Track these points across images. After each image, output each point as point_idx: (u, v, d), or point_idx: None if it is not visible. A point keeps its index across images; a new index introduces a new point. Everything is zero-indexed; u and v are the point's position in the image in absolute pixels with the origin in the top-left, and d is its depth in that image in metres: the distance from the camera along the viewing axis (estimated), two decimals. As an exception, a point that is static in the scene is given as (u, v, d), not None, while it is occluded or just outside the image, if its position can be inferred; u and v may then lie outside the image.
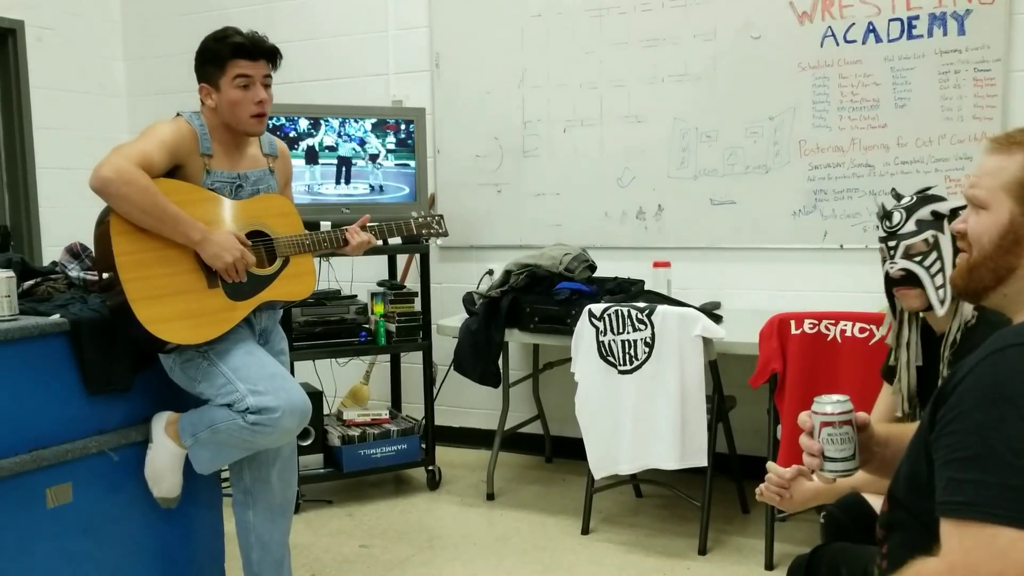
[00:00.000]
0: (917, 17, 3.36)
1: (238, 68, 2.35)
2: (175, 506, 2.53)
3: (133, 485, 2.47)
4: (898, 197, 2.01)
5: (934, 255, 1.90)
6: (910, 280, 1.94)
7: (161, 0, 4.77)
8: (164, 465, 2.45)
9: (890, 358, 2.06)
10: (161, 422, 2.45)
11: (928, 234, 1.91)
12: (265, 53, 2.39)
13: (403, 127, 3.75)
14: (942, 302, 1.91)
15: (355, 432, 3.62)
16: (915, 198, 1.96)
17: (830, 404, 1.40)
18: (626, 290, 3.40)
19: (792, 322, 2.76)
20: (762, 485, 1.78)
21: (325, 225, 3.26)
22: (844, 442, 1.40)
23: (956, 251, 1.86)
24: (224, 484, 2.78)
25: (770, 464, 1.80)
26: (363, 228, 2.60)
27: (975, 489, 1.01)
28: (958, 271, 1.29)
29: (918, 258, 1.93)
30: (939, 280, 1.91)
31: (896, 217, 1.98)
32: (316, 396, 3.56)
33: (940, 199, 1.94)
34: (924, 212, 1.92)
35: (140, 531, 2.50)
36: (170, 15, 4.72)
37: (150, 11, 4.81)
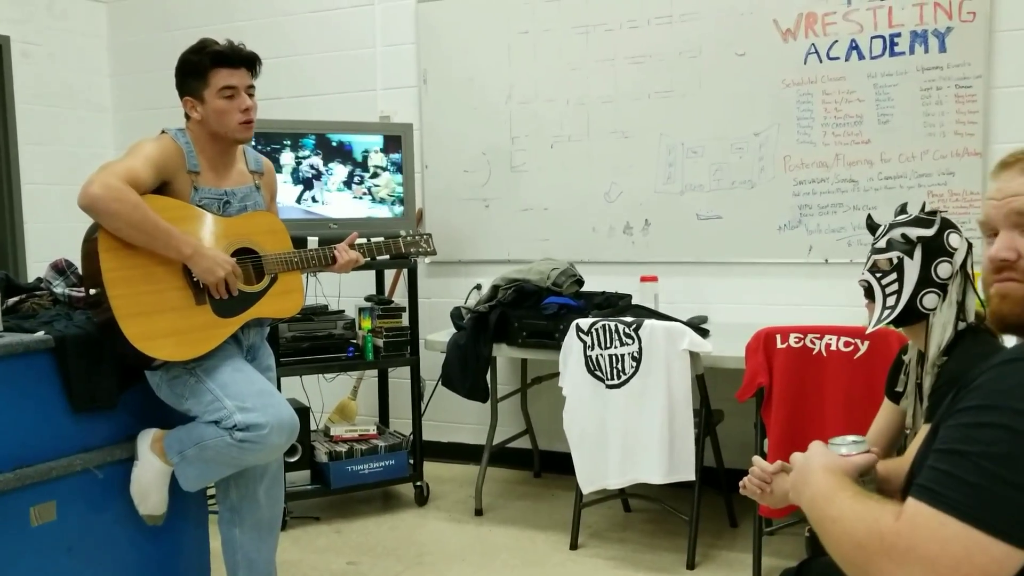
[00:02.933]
0: (899, 34, 3.40)
1: (221, 78, 2.35)
2: (161, 523, 2.51)
3: (118, 503, 2.45)
4: (903, 212, 2.00)
5: (893, 276, 1.90)
6: (869, 293, 1.96)
7: (147, 16, 4.78)
8: (150, 482, 2.44)
9: (896, 382, 2.06)
10: (147, 439, 2.44)
11: (893, 255, 1.91)
12: (245, 60, 2.40)
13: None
14: (878, 321, 1.93)
15: (343, 448, 3.61)
16: (906, 216, 1.96)
17: (845, 447, 1.38)
18: (613, 304, 3.41)
19: (778, 336, 2.78)
20: (746, 479, 1.79)
21: (312, 241, 3.27)
22: (866, 484, 1.39)
23: (924, 273, 1.88)
24: (210, 501, 2.77)
25: (755, 458, 1.80)
26: (351, 246, 2.60)
27: (942, 479, 1.06)
28: (1012, 300, 1.22)
29: (879, 275, 1.94)
30: (890, 301, 1.91)
31: (878, 231, 1.99)
32: (303, 412, 3.55)
33: (926, 222, 1.92)
34: (896, 233, 1.92)
35: (126, 549, 2.48)
36: (157, 31, 4.72)
37: (136, 27, 4.81)
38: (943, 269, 1.88)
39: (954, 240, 1.89)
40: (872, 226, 2.05)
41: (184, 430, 2.37)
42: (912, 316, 1.90)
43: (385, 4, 4.25)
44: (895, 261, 1.90)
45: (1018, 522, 1.01)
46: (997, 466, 1.02)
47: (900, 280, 1.89)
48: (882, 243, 1.94)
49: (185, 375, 2.33)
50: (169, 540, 2.59)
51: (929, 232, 1.88)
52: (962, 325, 1.85)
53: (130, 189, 2.18)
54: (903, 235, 1.90)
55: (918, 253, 1.88)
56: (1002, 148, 3.34)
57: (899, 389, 2.01)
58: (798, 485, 1.30)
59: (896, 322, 1.93)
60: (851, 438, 1.40)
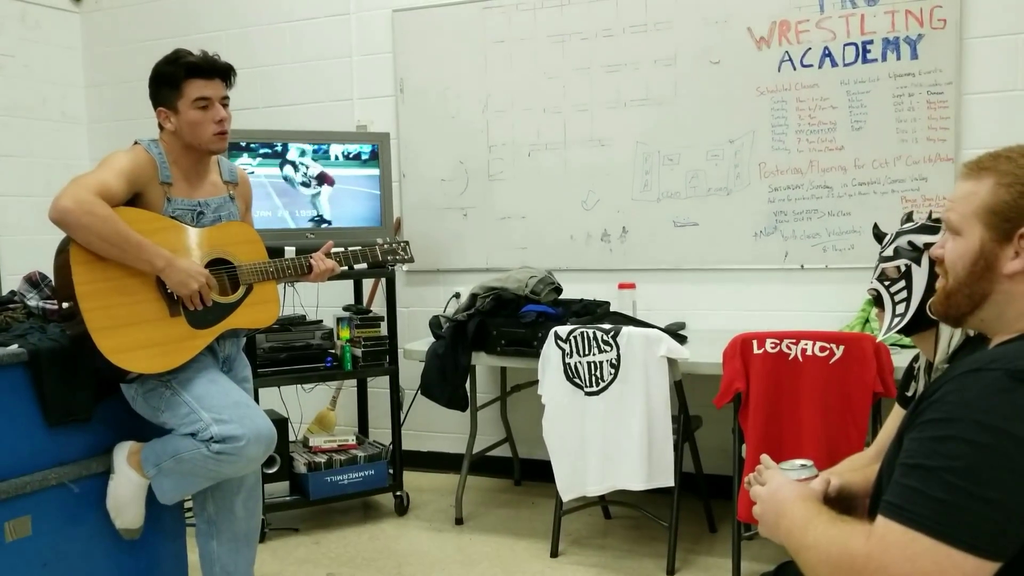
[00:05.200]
0: (871, 41, 3.44)
1: (195, 89, 2.35)
2: (138, 537, 2.49)
3: (94, 517, 2.43)
4: (909, 220, 2.01)
5: (901, 283, 1.91)
6: (878, 302, 1.97)
7: (122, 27, 4.75)
8: (126, 496, 2.42)
9: (907, 388, 2.07)
10: (123, 452, 2.43)
11: (901, 262, 1.92)
12: (219, 71, 2.40)
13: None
14: (888, 329, 1.93)
15: (321, 459, 3.59)
16: (912, 224, 1.97)
17: (794, 471, 1.39)
18: (592, 312, 3.42)
19: (754, 342, 2.79)
20: (751, 475, 1.79)
21: (289, 251, 3.26)
22: None
23: (932, 280, 1.88)
24: (187, 514, 2.75)
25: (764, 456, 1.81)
26: (328, 254, 2.60)
27: (908, 495, 1.08)
28: (936, 297, 1.32)
29: (887, 283, 1.94)
30: (899, 308, 1.92)
31: (885, 239, 2.00)
32: (281, 423, 3.53)
33: (932, 229, 1.92)
34: (903, 240, 1.93)
35: (102, 564, 2.46)
36: (131, 42, 4.69)
37: (111, 38, 4.79)
38: None
39: None
40: (879, 235, 2.06)
41: (160, 443, 2.36)
42: (922, 323, 1.89)
43: (361, 14, 4.25)
44: (903, 269, 1.91)
45: (986, 534, 1.03)
46: (961, 480, 1.04)
47: (909, 288, 1.89)
48: (889, 251, 1.94)
49: (160, 387, 2.32)
50: (146, 554, 2.57)
51: (936, 239, 1.89)
52: (971, 332, 1.86)
53: (101, 202, 2.17)
54: (910, 242, 1.91)
55: (925, 260, 1.88)
56: (973, 153, 3.35)
57: (908, 394, 2.02)
58: (770, 517, 1.32)
59: (906, 330, 1.92)
60: (799, 462, 1.41)
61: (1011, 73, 3.29)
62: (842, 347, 2.69)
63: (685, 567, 3.12)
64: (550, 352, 3.11)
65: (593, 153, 3.88)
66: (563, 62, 3.90)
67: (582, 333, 3.05)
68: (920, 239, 1.90)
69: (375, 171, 3.78)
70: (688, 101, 3.72)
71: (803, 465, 1.40)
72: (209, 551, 2.55)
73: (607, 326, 3.05)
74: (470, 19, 4.03)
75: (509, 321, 3.39)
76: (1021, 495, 1.04)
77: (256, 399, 2.91)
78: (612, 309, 3.51)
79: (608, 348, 3.01)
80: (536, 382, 3.20)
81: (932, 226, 1.91)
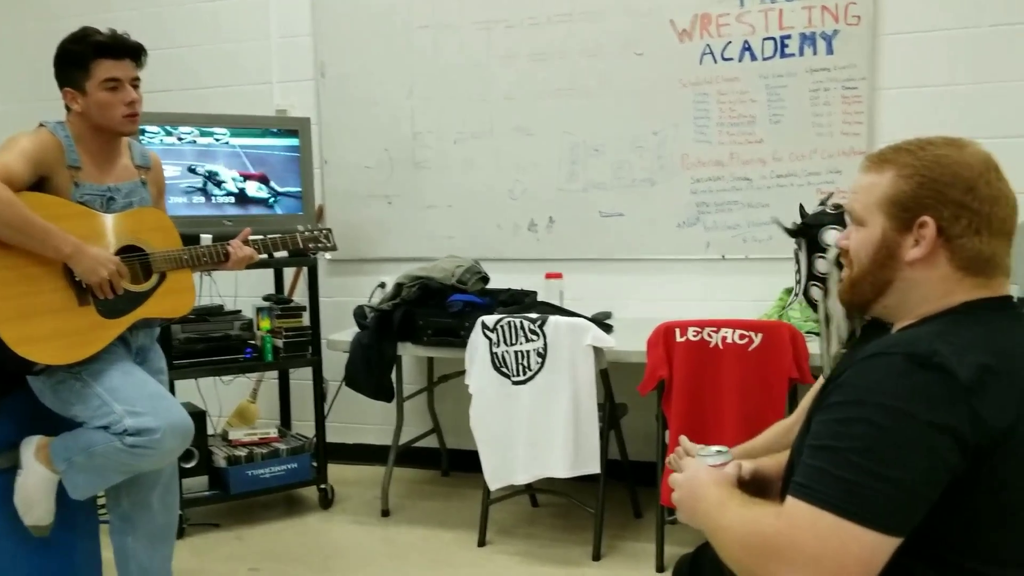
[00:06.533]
0: (789, 36, 3.52)
1: (104, 70, 2.25)
2: (48, 534, 2.40)
3: (1, 514, 2.32)
4: (823, 204, 2.07)
5: (796, 266, 1.98)
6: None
7: (26, 5, 4.54)
8: (36, 491, 2.32)
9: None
10: (31, 447, 2.33)
11: (795, 245, 1.99)
12: (129, 51, 2.30)
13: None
14: (788, 306, 2.00)
15: (242, 452, 3.51)
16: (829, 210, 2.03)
17: (711, 457, 1.42)
18: (519, 301, 3.42)
19: (677, 330, 2.84)
20: (671, 456, 1.81)
21: (205, 238, 3.16)
22: None
23: (808, 272, 1.95)
24: (100, 510, 2.65)
25: (682, 438, 1.83)
26: (245, 242, 2.53)
27: (815, 475, 1.12)
28: (843, 286, 1.37)
29: (796, 266, 2.01)
30: (796, 289, 1.98)
31: (797, 234, 2.06)
32: (199, 416, 3.44)
33: (808, 217, 1.98)
34: (790, 224, 1.99)
35: (11, 562, 2.36)
36: (36, 20, 4.48)
37: (14, 16, 4.56)
38: (820, 264, 1.95)
39: (828, 237, 1.96)
40: (795, 230, 2.11)
41: (71, 436, 2.27)
42: (813, 306, 1.96)
43: (281, -5, 4.15)
44: (795, 252, 1.97)
45: (886, 510, 1.08)
46: (865, 460, 1.09)
47: (798, 271, 1.96)
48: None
49: (70, 379, 2.23)
50: (58, 551, 2.48)
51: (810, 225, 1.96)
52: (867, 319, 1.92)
53: (2, 186, 2.07)
54: (784, 227, 1.98)
55: (804, 246, 1.95)
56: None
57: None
58: (687, 502, 1.35)
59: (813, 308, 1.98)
60: (714, 448, 1.45)
61: (922, 69, 3.41)
62: (760, 335, 2.74)
63: (611, 553, 3.15)
64: (477, 341, 3.10)
65: (520, 142, 3.88)
66: (489, 50, 3.87)
67: (509, 322, 3.05)
68: (792, 224, 1.96)
69: (295, 140, 3.70)
70: (613, 92, 3.74)
71: (719, 451, 1.43)
72: (124, 547, 2.47)
73: (534, 315, 3.05)
74: (393, 3, 3.97)
75: (435, 311, 3.36)
76: (920, 473, 1.08)
77: (172, 392, 2.82)
78: (539, 299, 3.52)
79: (535, 337, 3.02)
80: (463, 372, 3.19)
81: (807, 214, 1.98)
